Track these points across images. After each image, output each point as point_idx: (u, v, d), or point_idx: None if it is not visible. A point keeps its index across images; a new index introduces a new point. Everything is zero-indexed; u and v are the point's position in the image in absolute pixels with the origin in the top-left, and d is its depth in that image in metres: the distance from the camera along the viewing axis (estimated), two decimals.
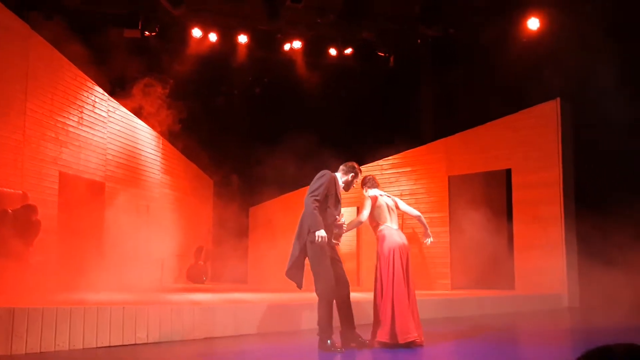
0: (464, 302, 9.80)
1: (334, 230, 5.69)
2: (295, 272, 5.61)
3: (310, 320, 6.90)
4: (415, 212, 6.21)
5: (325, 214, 5.57)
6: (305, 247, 5.53)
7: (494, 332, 7.47)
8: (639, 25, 10.63)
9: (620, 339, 1.55)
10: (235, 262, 15.62)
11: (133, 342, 5.63)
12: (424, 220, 6.22)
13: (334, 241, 5.69)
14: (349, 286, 5.74)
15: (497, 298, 10.58)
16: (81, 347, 5.29)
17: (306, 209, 5.53)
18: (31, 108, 9.32)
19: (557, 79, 11.44)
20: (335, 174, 5.82)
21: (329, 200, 5.62)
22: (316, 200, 5.49)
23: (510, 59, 11.70)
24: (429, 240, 6.17)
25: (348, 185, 5.88)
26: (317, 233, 5.40)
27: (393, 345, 5.50)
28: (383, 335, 5.55)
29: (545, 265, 11.60)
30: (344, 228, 5.73)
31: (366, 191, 6.12)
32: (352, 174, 5.88)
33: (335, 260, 5.66)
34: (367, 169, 13.03)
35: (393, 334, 5.51)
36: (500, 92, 11.74)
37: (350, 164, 5.93)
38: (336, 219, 5.68)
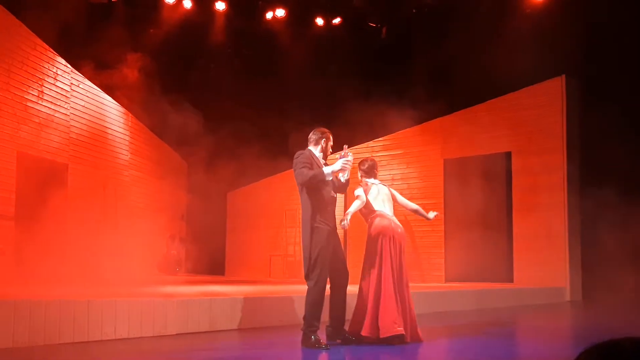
0: (458, 295, 9.89)
1: (336, 183, 5.68)
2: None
3: (292, 315, 6.93)
4: (413, 206, 6.20)
5: (321, 195, 5.54)
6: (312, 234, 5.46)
7: (490, 327, 7.56)
8: None
9: (625, 333, 1.56)
10: (211, 251, 15.63)
11: (99, 339, 5.62)
12: (423, 211, 6.21)
13: (341, 224, 5.61)
14: (347, 277, 5.76)
15: (495, 291, 10.70)
16: (43, 343, 5.27)
17: (301, 180, 5.48)
18: None
19: (562, 54, 11.47)
20: (308, 148, 5.79)
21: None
22: (304, 167, 5.48)
23: (513, 32, 11.70)
24: (432, 214, 6.17)
25: (325, 152, 5.83)
26: (333, 170, 5.44)
27: (374, 340, 5.53)
28: (365, 329, 5.57)
29: (547, 257, 11.74)
30: (347, 173, 5.64)
31: (362, 178, 6.10)
32: (324, 139, 5.83)
33: (337, 248, 5.68)
34: (356, 151, 13.03)
35: (375, 327, 5.54)
36: (501, 68, 11.75)
37: (318, 130, 5.85)
38: (333, 197, 5.65)
